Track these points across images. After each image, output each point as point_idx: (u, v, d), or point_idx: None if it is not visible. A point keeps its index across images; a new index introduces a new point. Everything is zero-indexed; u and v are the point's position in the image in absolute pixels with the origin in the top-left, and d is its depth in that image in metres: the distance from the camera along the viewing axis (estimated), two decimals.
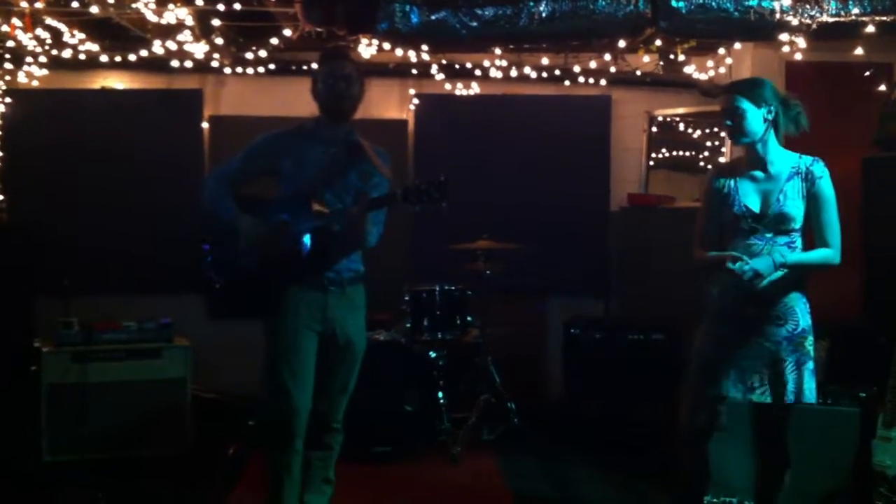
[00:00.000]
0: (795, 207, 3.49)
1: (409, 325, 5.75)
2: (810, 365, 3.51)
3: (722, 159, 6.62)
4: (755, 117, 3.51)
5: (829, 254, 3.49)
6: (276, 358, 3.72)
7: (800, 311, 3.53)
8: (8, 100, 6.61)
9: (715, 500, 4.37)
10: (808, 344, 3.52)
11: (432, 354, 5.68)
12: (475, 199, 6.43)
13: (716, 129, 6.74)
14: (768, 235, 3.51)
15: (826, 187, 3.51)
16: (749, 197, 3.56)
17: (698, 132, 6.98)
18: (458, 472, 5.27)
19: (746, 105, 3.50)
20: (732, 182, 3.62)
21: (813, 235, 3.54)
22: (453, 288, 5.78)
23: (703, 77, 6.62)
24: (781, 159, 3.57)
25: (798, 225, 3.52)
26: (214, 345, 5.91)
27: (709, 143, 6.90)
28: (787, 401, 3.48)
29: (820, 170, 3.53)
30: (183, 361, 5.46)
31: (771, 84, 3.59)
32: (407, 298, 5.78)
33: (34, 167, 6.48)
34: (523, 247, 5.84)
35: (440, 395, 5.60)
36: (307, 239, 3.61)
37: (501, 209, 6.49)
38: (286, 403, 3.67)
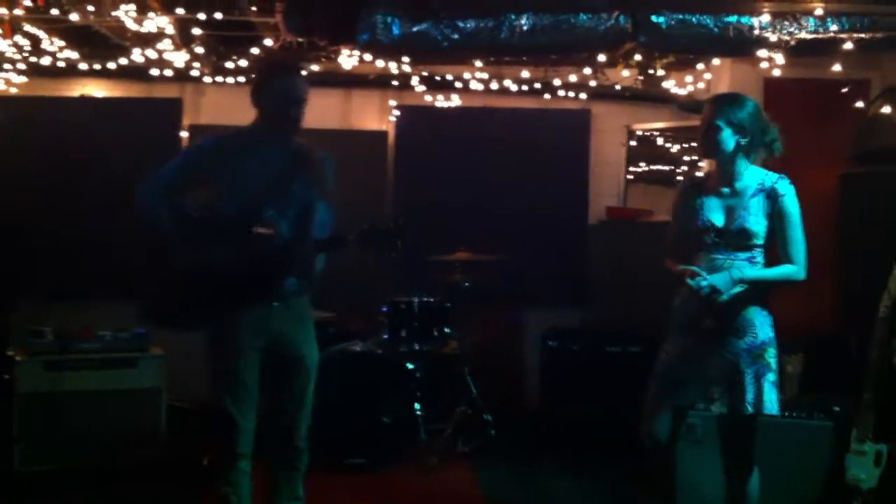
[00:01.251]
0: (758, 224, 3.53)
1: (386, 336, 5.75)
2: (771, 377, 3.53)
3: (699, 174, 6.65)
4: (729, 138, 3.54)
5: (791, 270, 3.52)
6: (216, 380, 3.64)
7: (759, 323, 3.55)
8: None
9: None
10: (769, 356, 3.54)
11: (410, 366, 5.67)
12: (454, 211, 6.47)
13: (693, 144, 6.77)
14: (730, 250, 3.55)
15: (790, 204, 3.53)
16: (714, 212, 3.60)
17: (676, 147, 7.03)
18: (434, 483, 5.25)
19: (723, 124, 3.53)
20: (700, 196, 3.67)
21: (778, 252, 3.56)
22: (431, 299, 5.78)
23: (681, 92, 6.67)
24: (748, 176, 3.60)
25: (760, 241, 3.55)
26: (190, 354, 5.86)
27: (687, 158, 6.95)
28: (745, 412, 3.50)
29: (784, 187, 3.55)
30: (158, 371, 5.41)
31: (753, 106, 3.61)
32: (385, 309, 5.78)
33: (10, 174, 6.43)
34: (502, 258, 5.85)
35: (417, 406, 5.59)
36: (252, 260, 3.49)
37: (480, 220, 6.51)
38: (228, 425, 3.59)
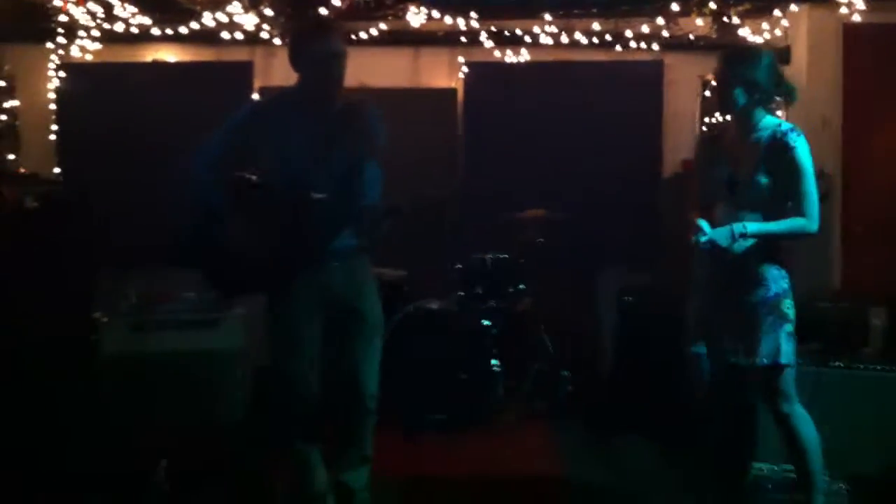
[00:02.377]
0: (769, 176, 3.50)
1: (461, 294, 5.75)
2: (788, 327, 3.52)
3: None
4: (741, 94, 3.52)
5: (801, 223, 3.48)
6: (277, 346, 3.67)
7: (772, 277, 3.53)
8: (62, 74, 6.70)
9: (763, 467, 4.34)
10: (785, 307, 3.53)
11: (485, 323, 5.68)
12: (526, 168, 6.43)
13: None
14: (746, 202, 3.53)
15: (800, 156, 3.48)
16: (728, 165, 3.59)
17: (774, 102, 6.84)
18: (511, 441, 5.27)
19: (735, 82, 3.52)
20: (716, 149, 3.69)
21: (788, 203, 3.53)
22: (505, 256, 5.77)
23: (758, 40, 6.49)
24: (763, 128, 3.57)
25: (770, 193, 3.52)
26: None
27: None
28: (762, 363, 3.49)
29: (793, 139, 3.50)
30: (241, 332, 5.48)
31: (767, 61, 3.58)
32: (458, 267, 5.78)
33: (89, 140, 6.55)
34: (574, 215, 5.80)
35: (494, 363, 5.59)
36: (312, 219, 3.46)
37: (553, 177, 6.45)
38: (294, 384, 3.62)
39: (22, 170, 6.50)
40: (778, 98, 3.66)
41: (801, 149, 3.49)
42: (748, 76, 3.51)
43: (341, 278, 3.65)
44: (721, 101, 3.61)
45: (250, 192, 3.45)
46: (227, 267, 3.56)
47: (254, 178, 3.40)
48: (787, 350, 3.50)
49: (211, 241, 3.56)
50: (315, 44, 3.58)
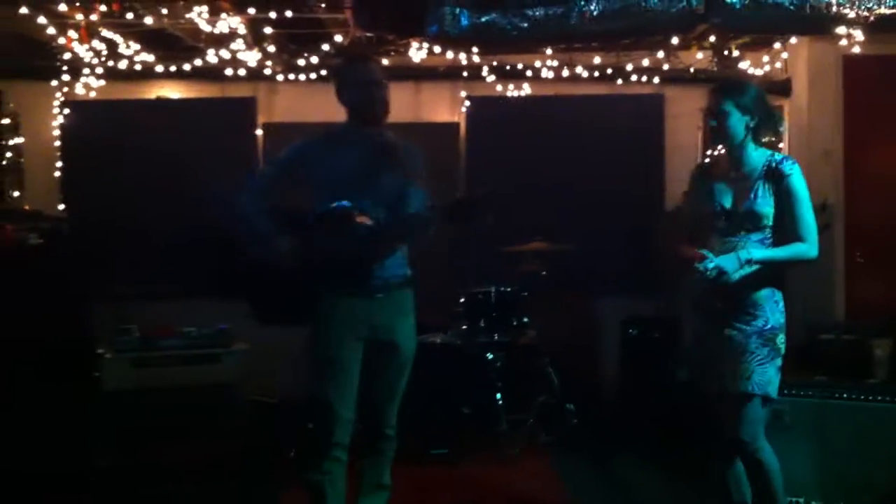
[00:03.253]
0: (766, 205, 3.53)
1: (464, 328, 5.74)
2: (778, 362, 3.55)
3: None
4: (738, 122, 3.57)
5: (802, 248, 3.51)
6: (318, 369, 3.69)
7: (769, 308, 3.55)
8: (66, 111, 6.75)
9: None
10: (779, 342, 3.55)
11: (489, 356, 5.66)
12: (528, 201, 6.43)
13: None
14: (742, 233, 3.56)
15: (796, 183, 3.53)
16: (724, 196, 3.62)
17: (765, 136, 6.86)
18: (515, 474, 5.24)
19: (731, 109, 3.56)
20: (710, 181, 3.70)
21: (787, 231, 3.55)
22: (508, 289, 5.76)
23: (758, 73, 6.52)
24: (756, 158, 3.62)
25: (770, 222, 3.55)
26: (272, 349, 5.94)
27: (764, 139, 6.79)
28: (753, 391, 3.49)
29: (788, 167, 3.55)
30: (240, 366, 5.50)
31: (757, 91, 3.65)
32: (462, 300, 5.77)
33: (93, 177, 6.59)
34: (577, 247, 5.81)
35: (497, 396, 5.57)
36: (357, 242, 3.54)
37: (555, 210, 6.46)
38: (327, 415, 3.64)
39: (26, 207, 6.52)
40: (768, 128, 3.69)
41: (797, 176, 3.53)
42: (742, 102, 3.55)
43: (387, 308, 3.70)
44: (717, 131, 3.63)
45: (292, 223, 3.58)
46: (275, 295, 3.64)
47: (354, 211, 3.50)
48: (776, 384, 3.54)
49: (260, 271, 3.65)
50: (357, 73, 3.73)
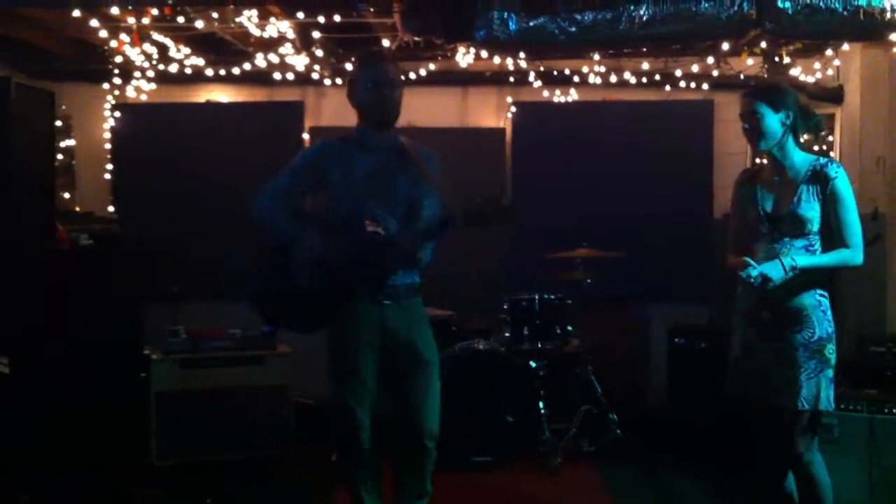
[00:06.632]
0: (811, 209, 3.48)
1: (508, 335, 5.72)
2: (829, 373, 3.48)
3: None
4: (773, 121, 3.53)
5: (847, 254, 3.46)
6: (336, 377, 3.71)
7: (816, 318, 3.48)
8: (117, 114, 6.85)
9: None
10: (828, 352, 3.48)
11: (532, 364, 5.63)
12: (574, 207, 6.41)
13: (822, 133, 6.52)
14: (786, 238, 3.52)
15: (841, 187, 3.47)
16: (767, 201, 3.59)
17: (805, 136, 6.76)
18: (558, 484, 5.21)
19: (764, 109, 3.52)
20: (754, 187, 3.65)
21: (833, 236, 3.50)
22: (553, 297, 5.72)
23: (809, 80, 6.42)
24: (799, 162, 3.57)
25: (815, 227, 3.50)
26: (315, 352, 5.97)
27: (815, 147, 6.69)
28: (803, 407, 3.43)
29: (834, 170, 3.49)
30: (284, 368, 5.54)
31: (789, 90, 3.62)
32: (506, 307, 5.75)
33: (143, 179, 6.69)
34: (623, 254, 5.76)
35: (540, 404, 5.54)
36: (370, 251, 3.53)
37: (601, 216, 6.43)
38: (350, 421, 3.66)
39: (78, 208, 6.62)
40: (807, 127, 3.65)
41: (842, 179, 3.48)
42: (774, 100, 3.52)
43: (399, 314, 3.70)
44: (753, 135, 3.56)
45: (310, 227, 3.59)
46: (294, 302, 3.65)
47: (381, 231, 3.50)
48: (827, 396, 3.47)
49: (282, 277, 3.67)
50: (368, 73, 3.68)
